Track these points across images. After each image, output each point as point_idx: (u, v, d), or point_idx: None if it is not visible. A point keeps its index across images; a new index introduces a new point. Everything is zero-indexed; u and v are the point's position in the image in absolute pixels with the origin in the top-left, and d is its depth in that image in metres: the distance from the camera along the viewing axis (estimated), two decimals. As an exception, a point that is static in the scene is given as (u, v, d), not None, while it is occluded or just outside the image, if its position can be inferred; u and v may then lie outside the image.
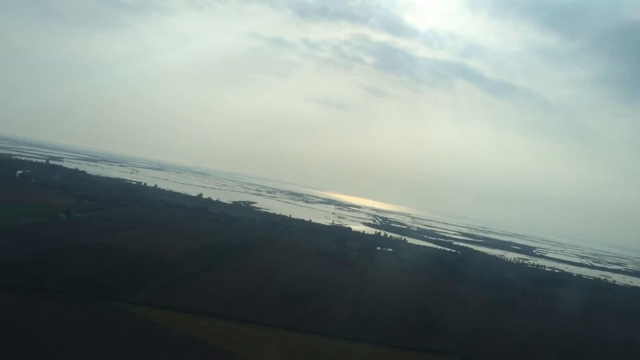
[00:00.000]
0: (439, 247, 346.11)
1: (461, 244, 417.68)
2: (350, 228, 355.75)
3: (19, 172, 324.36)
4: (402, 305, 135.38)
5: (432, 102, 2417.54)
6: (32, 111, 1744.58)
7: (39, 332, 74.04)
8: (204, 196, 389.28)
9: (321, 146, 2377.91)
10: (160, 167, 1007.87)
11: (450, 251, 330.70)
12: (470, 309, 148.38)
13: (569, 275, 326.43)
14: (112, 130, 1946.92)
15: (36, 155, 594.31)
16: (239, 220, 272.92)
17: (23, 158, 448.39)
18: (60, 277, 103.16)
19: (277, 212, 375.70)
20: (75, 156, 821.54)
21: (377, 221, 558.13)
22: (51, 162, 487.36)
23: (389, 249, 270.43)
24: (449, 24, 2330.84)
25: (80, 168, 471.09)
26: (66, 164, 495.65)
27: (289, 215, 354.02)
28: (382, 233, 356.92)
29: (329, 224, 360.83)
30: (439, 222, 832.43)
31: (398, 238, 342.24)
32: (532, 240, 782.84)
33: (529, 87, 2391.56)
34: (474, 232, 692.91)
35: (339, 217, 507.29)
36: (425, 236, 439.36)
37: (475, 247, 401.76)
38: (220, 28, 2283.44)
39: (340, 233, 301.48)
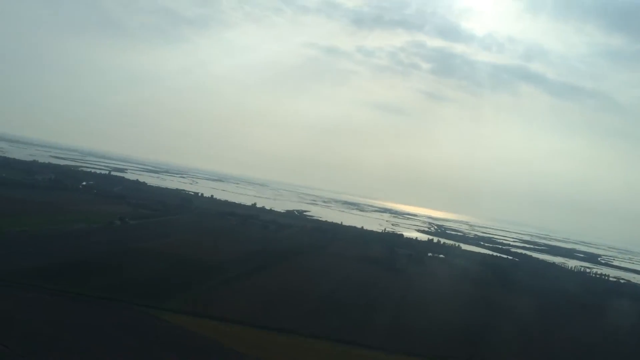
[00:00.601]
0: (495, 254, 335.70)
1: (520, 250, 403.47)
2: (402, 235, 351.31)
3: (84, 183, 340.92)
4: (448, 315, 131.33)
5: (493, 106, 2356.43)
6: (101, 123, 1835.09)
7: (62, 335, 75.54)
8: (258, 205, 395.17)
9: (379, 154, 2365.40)
10: (220, 178, 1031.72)
11: (507, 258, 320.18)
12: (520, 320, 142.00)
13: (636, 286, 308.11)
14: (175, 141, 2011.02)
15: (101, 167, 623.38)
16: (289, 227, 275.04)
17: (88, 170, 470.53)
18: (101, 280, 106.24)
19: (329, 220, 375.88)
20: (138, 167, 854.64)
21: (432, 228, 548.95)
22: (115, 173, 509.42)
23: (441, 255, 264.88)
24: (507, 27, 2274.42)
25: (142, 179, 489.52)
26: (129, 175, 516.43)
27: (340, 223, 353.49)
28: (436, 240, 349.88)
29: (380, 231, 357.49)
30: (498, 229, 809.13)
31: (452, 245, 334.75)
32: (598, 248, 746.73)
33: (597, 88, 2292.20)
34: (536, 240, 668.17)
35: (392, 225, 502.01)
36: (482, 243, 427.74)
37: (535, 255, 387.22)
38: (277, 39, 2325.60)
39: (391, 240, 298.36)
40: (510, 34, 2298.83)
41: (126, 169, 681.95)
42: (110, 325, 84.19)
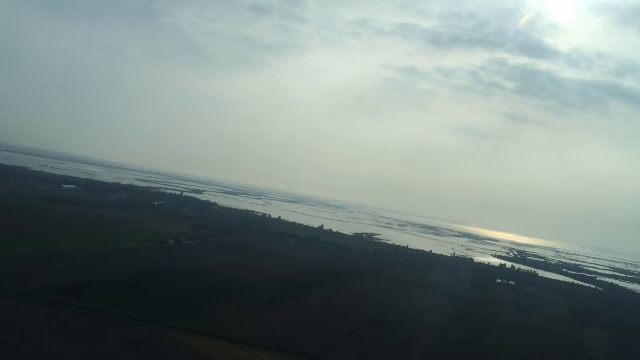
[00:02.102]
0: (575, 281, 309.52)
1: (607, 279, 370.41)
2: (471, 259, 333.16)
3: (155, 203, 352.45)
4: (498, 346, 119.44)
5: (582, 127, 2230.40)
6: (186, 148, 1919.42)
7: (58, 350, 73.81)
8: (325, 227, 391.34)
9: (460, 177, 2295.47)
10: (296, 200, 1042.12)
11: (589, 287, 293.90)
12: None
13: None
14: (256, 164, 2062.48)
15: (180, 188, 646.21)
16: (349, 249, 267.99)
17: (164, 191, 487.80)
18: (128, 299, 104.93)
19: (396, 243, 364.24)
20: (217, 189, 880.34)
21: (511, 254, 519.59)
22: (191, 194, 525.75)
23: (511, 282, 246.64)
24: (595, 42, 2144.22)
25: (215, 200, 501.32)
26: (204, 196, 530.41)
27: (406, 246, 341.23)
28: (509, 265, 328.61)
29: (449, 255, 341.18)
30: (588, 256, 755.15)
31: (527, 271, 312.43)
32: None
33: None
34: (630, 268, 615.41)
35: (466, 249, 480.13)
36: (564, 270, 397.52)
37: (624, 284, 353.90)
38: (354, 62, 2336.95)
39: (458, 264, 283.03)
40: (598, 49, 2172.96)
41: (204, 191, 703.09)
42: (117, 343, 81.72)
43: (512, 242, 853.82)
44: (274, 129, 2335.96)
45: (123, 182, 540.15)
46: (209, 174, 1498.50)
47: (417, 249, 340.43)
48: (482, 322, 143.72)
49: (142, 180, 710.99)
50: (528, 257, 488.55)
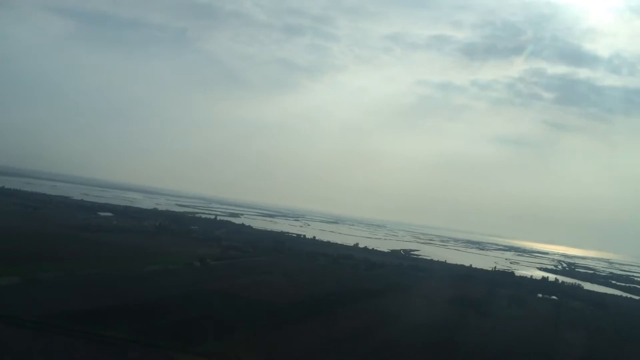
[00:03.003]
0: (624, 294, 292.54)
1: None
2: (512, 273, 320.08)
3: (191, 227, 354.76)
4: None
5: (628, 134, 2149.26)
6: (227, 172, 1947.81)
7: None
8: (360, 245, 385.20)
9: (503, 189, 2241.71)
10: (336, 220, 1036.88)
11: (638, 300, 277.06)
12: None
13: None
14: (296, 186, 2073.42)
15: (218, 212, 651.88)
16: (382, 266, 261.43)
17: (202, 215, 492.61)
18: (139, 323, 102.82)
19: (434, 259, 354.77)
20: (255, 212, 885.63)
21: (559, 267, 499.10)
22: (227, 218, 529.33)
23: (553, 297, 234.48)
24: (637, 46, 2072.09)
25: (250, 223, 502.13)
26: (241, 220, 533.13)
27: (444, 261, 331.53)
28: (553, 278, 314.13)
29: (490, 269, 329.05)
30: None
31: (572, 284, 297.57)
32: None
33: None
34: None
35: (510, 263, 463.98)
36: (614, 282, 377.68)
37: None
38: (388, 79, 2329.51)
39: (497, 278, 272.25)
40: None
41: (242, 214, 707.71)
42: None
43: (562, 255, 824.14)
44: (312, 150, 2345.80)
45: (161, 208, 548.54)
46: (249, 197, 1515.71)
47: (455, 264, 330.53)
48: (506, 343, 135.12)
49: (181, 205, 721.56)
50: (577, 270, 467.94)
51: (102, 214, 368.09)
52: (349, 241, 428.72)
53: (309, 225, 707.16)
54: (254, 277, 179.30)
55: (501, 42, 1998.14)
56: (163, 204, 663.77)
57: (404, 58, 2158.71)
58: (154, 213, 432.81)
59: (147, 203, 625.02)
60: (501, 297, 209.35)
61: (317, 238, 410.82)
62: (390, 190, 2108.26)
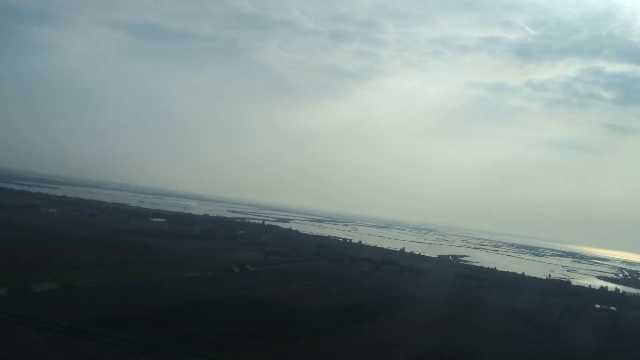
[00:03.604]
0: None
1: None
2: (568, 282, 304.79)
3: (239, 232, 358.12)
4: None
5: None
6: (279, 178, 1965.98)
7: None
8: (407, 250, 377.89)
9: (559, 193, 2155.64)
10: (386, 225, 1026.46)
11: None
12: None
13: None
14: (346, 191, 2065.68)
15: (267, 218, 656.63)
16: (428, 273, 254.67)
17: (251, 221, 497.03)
18: (169, 329, 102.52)
19: (484, 266, 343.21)
20: (305, 217, 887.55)
21: (620, 275, 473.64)
22: (278, 223, 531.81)
23: (612, 308, 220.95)
24: None
25: (301, 228, 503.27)
26: (290, 225, 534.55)
27: (494, 268, 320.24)
28: (613, 288, 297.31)
29: (544, 278, 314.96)
30: None
31: (635, 294, 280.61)
32: None
33: None
34: None
35: (567, 271, 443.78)
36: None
37: None
38: (438, 82, 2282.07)
39: (551, 288, 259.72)
40: None
41: (291, 219, 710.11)
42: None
43: (624, 262, 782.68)
44: (362, 155, 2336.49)
45: (212, 214, 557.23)
46: (300, 203, 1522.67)
47: (507, 271, 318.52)
48: (551, 356, 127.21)
49: (232, 211, 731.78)
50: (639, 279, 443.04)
51: (154, 219, 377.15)
52: (396, 246, 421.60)
53: (357, 229, 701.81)
54: (291, 283, 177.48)
55: (556, 41, 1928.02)
56: (215, 210, 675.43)
57: (453, 61, 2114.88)
58: (204, 219, 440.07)
59: (199, 209, 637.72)
60: (554, 307, 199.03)
61: (363, 242, 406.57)
62: (441, 195, 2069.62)
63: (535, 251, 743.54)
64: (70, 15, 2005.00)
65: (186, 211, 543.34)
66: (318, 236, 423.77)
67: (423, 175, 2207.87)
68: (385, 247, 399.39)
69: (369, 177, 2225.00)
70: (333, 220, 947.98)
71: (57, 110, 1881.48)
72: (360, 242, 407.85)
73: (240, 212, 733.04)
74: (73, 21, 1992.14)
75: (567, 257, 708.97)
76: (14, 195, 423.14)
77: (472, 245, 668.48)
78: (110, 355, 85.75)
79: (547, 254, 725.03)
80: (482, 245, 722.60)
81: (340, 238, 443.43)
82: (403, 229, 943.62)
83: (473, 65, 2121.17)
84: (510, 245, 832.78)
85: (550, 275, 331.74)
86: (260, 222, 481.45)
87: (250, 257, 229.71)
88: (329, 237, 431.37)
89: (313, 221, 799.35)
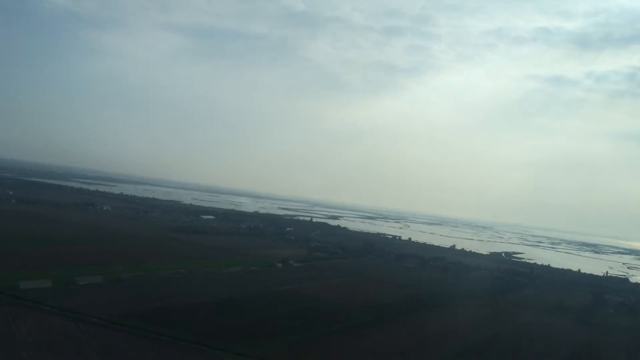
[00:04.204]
0: None
1: None
2: (627, 279, 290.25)
3: (287, 229, 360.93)
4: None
5: None
6: (331, 175, 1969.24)
7: None
8: (457, 247, 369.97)
9: (624, 188, 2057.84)
10: (440, 222, 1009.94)
11: None
12: None
13: None
14: (401, 188, 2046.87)
15: (321, 215, 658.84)
16: (475, 269, 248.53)
17: (297, 218, 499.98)
18: (206, 325, 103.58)
19: (539, 262, 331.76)
20: (357, 215, 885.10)
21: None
22: (328, 220, 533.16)
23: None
24: None
25: (351, 225, 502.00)
26: (340, 222, 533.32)
27: (547, 265, 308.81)
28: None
29: (601, 275, 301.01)
30: None
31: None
32: None
33: None
34: None
35: (628, 268, 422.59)
36: None
37: None
38: (492, 75, 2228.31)
39: (607, 284, 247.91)
40: None
41: (342, 216, 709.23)
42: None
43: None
44: (416, 151, 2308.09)
45: (263, 211, 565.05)
46: (353, 200, 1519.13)
47: (561, 268, 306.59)
48: (597, 353, 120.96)
49: (284, 208, 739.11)
50: None
51: (204, 217, 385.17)
52: (447, 243, 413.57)
53: (409, 226, 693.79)
54: (332, 279, 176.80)
55: (618, 29, 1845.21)
56: (267, 207, 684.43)
57: (508, 53, 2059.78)
58: (254, 216, 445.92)
59: (251, 207, 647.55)
60: (608, 305, 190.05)
61: (412, 239, 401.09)
62: (497, 191, 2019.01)
63: (595, 248, 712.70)
64: (128, 20, 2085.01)
65: (238, 209, 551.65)
66: (367, 233, 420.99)
67: (478, 171, 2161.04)
68: (436, 244, 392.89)
69: (423, 174, 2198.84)
70: (385, 217, 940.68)
71: (117, 112, 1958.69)
72: (409, 239, 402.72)
73: (291, 210, 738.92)
74: (131, 25, 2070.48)
75: (630, 254, 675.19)
76: (73, 193, 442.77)
77: (528, 243, 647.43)
78: (142, 347, 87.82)
79: (609, 251, 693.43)
80: (539, 242, 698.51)
81: (390, 235, 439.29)
82: (457, 226, 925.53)
83: (529, 57, 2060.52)
84: (569, 242, 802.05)
85: (607, 272, 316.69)
86: (309, 219, 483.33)
87: (295, 253, 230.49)
88: (377, 234, 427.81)
89: (364, 218, 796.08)
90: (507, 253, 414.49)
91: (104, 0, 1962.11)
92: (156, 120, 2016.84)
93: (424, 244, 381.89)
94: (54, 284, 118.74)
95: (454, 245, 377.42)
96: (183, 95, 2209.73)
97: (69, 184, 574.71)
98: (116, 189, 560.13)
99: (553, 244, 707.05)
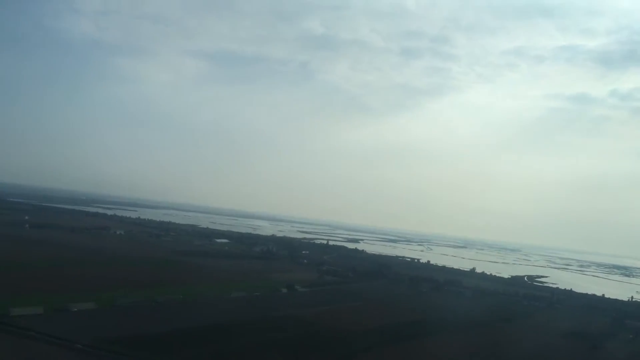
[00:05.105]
0: None
1: None
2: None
3: (303, 252, 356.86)
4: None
5: None
6: (354, 197, 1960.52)
7: None
8: (478, 271, 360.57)
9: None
10: (465, 245, 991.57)
11: None
12: None
13: None
14: (424, 209, 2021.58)
15: (341, 238, 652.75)
16: (491, 294, 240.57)
17: (314, 241, 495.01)
18: (196, 351, 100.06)
19: (562, 286, 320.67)
20: (378, 237, 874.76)
21: None
22: (347, 243, 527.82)
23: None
24: None
25: (370, 248, 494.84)
26: (359, 245, 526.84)
27: (569, 289, 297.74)
28: None
29: (626, 300, 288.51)
30: None
31: None
32: None
33: None
34: None
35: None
36: None
37: None
38: (514, 96, 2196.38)
39: (630, 310, 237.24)
40: None
41: (362, 239, 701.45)
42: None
43: None
44: (439, 172, 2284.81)
45: (281, 234, 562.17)
46: (375, 223, 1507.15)
47: (584, 293, 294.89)
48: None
49: (303, 231, 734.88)
50: None
51: (218, 240, 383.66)
52: (468, 266, 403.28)
53: (431, 249, 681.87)
54: (338, 304, 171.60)
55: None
56: (285, 231, 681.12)
57: (529, 72, 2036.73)
58: (269, 239, 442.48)
59: (269, 230, 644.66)
60: (628, 329, 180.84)
61: (431, 262, 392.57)
62: (524, 212, 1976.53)
63: (626, 271, 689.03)
64: (155, 48, 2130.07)
65: (255, 232, 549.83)
66: (384, 256, 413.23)
67: (504, 192, 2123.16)
68: (456, 267, 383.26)
69: (447, 195, 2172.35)
70: (408, 240, 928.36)
71: (143, 137, 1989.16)
72: (428, 261, 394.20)
73: (311, 232, 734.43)
74: (158, 53, 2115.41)
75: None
76: (90, 217, 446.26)
77: (555, 266, 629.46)
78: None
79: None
80: (568, 265, 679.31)
81: (408, 258, 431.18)
82: (482, 249, 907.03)
83: (551, 75, 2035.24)
84: (599, 265, 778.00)
85: (632, 297, 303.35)
86: (325, 242, 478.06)
87: (305, 277, 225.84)
88: (396, 257, 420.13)
89: (386, 241, 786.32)
90: (529, 277, 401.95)
91: (129, 28, 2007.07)
92: (179, 144, 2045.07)
93: (443, 267, 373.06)
94: (45, 310, 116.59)
95: (473, 269, 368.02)
96: (205, 120, 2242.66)
97: (89, 209, 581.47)
98: (135, 214, 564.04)
99: (582, 266, 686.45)
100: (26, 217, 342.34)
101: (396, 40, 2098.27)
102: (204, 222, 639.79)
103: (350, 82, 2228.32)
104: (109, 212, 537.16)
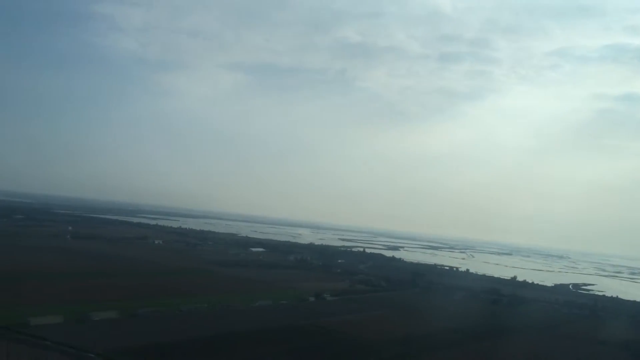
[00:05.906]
0: None
1: None
2: None
3: (338, 261, 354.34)
4: None
5: None
6: (393, 204, 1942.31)
7: None
8: (519, 279, 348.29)
9: None
10: (510, 252, 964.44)
11: None
12: None
13: None
14: (468, 215, 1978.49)
15: (381, 246, 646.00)
16: (530, 302, 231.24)
17: (352, 249, 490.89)
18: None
19: (607, 294, 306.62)
20: (420, 245, 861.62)
21: None
22: (386, 251, 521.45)
23: None
24: None
25: (409, 256, 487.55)
26: (398, 253, 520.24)
27: (615, 296, 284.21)
28: None
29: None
30: None
31: None
32: None
33: None
34: None
35: None
36: None
37: None
38: (558, 97, 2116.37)
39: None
40: None
41: (402, 247, 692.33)
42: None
43: None
44: (482, 178, 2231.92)
45: (320, 242, 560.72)
46: (419, 229, 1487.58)
47: (632, 300, 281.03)
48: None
49: (343, 239, 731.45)
50: None
51: (253, 249, 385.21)
52: (510, 274, 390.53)
53: (473, 257, 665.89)
54: (366, 313, 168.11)
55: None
56: (326, 239, 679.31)
57: (573, 73, 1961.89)
58: (306, 247, 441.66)
59: (309, 238, 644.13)
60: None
61: (470, 271, 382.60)
62: (571, 217, 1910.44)
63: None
64: (193, 62, 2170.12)
65: (294, 240, 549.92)
66: (422, 264, 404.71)
67: (552, 197, 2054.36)
68: (496, 275, 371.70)
69: (492, 200, 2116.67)
70: (451, 247, 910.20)
71: (186, 149, 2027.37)
72: (467, 270, 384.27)
73: (351, 240, 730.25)
74: (196, 67, 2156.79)
75: None
76: (132, 227, 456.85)
77: (605, 273, 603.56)
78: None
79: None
80: (618, 272, 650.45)
81: (447, 266, 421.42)
82: (528, 256, 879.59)
83: (596, 76, 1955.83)
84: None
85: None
86: (361, 250, 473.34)
87: (336, 286, 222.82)
88: (434, 266, 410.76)
89: (427, 248, 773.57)
90: (575, 285, 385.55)
91: (168, 43, 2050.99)
92: (222, 155, 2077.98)
93: (483, 275, 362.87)
94: (65, 319, 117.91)
95: (515, 277, 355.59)
96: (245, 131, 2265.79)
97: (133, 219, 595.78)
98: (177, 223, 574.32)
99: (633, 274, 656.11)
100: (69, 228, 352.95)
101: (434, 45, 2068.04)
102: (244, 230, 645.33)
103: (388, 89, 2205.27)
104: (152, 222, 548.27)
